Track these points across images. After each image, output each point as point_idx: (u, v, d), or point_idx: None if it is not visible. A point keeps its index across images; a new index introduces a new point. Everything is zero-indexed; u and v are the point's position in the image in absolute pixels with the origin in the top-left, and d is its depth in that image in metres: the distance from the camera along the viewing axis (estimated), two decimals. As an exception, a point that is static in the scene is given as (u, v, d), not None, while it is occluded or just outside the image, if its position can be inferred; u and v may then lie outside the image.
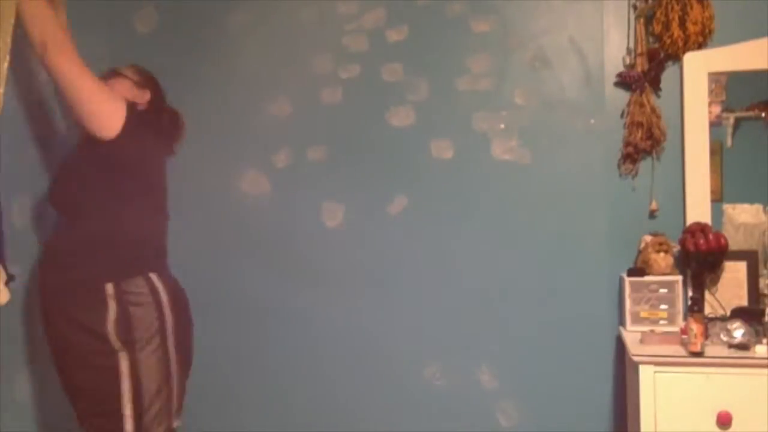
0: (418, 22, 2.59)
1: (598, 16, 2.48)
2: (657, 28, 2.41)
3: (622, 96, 2.45)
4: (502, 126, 2.53)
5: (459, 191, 2.55)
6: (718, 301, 2.30)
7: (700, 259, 2.29)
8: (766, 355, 1.99)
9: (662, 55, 2.41)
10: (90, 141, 1.99)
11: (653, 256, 2.32)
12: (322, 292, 2.63)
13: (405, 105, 2.59)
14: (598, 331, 2.44)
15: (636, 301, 2.32)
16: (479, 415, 2.52)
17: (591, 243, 2.46)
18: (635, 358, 2.03)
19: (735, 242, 2.32)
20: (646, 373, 2.01)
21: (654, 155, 2.43)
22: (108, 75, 2.17)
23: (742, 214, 2.35)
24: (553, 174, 2.49)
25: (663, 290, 2.31)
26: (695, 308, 2.03)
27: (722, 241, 2.27)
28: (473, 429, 2.52)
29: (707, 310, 2.24)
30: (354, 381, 2.61)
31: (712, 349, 2.05)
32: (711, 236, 2.27)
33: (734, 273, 2.32)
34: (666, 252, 2.33)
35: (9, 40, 1.82)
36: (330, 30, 2.65)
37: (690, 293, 2.31)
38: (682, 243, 2.32)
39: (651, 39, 2.44)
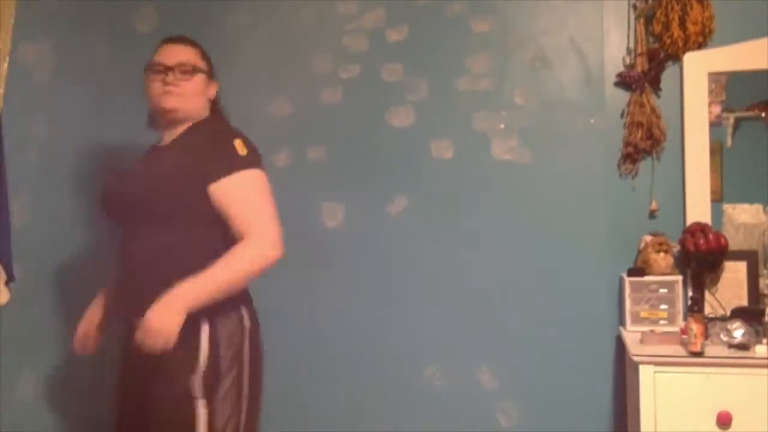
0: (418, 22, 2.59)
1: (598, 16, 2.48)
2: (657, 28, 2.41)
3: (622, 96, 2.45)
4: (502, 126, 2.53)
5: (459, 191, 2.55)
6: (718, 301, 2.30)
7: (700, 259, 2.29)
8: (766, 355, 1.99)
9: (662, 55, 2.41)
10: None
11: (653, 256, 2.32)
12: (322, 292, 2.63)
13: (405, 105, 2.59)
14: (598, 331, 2.44)
15: (636, 301, 2.32)
16: (479, 415, 2.52)
17: (591, 243, 2.46)
18: (635, 358, 2.03)
19: (735, 242, 2.31)
20: (646, 373, 2.01)
21: (654, 155, 2.43)
22: (185, 70, 1.92)
23: (742, 214, 2.35)
24: (553, 174, 2.49)
25: (663, 290, 2.30)
26: (695, 308, 2.03)
27: (722, 241, 2.27)
28: (473, 429, 2.52)
29: (707, 310, 2.23)
30: (354, 381, 2.60)
31: (712, 349, 2.04)
32: (711, 236, 2.26)
33: (734, 273, 2.32)
34: (666, 252, 2.32)
35: (9, 40, 1.82)
36: (330, 30, 2.65)
37: (690, 293, 2.31)
38: (682, 243, 2.31)
39: (651, 39, 2.44)
